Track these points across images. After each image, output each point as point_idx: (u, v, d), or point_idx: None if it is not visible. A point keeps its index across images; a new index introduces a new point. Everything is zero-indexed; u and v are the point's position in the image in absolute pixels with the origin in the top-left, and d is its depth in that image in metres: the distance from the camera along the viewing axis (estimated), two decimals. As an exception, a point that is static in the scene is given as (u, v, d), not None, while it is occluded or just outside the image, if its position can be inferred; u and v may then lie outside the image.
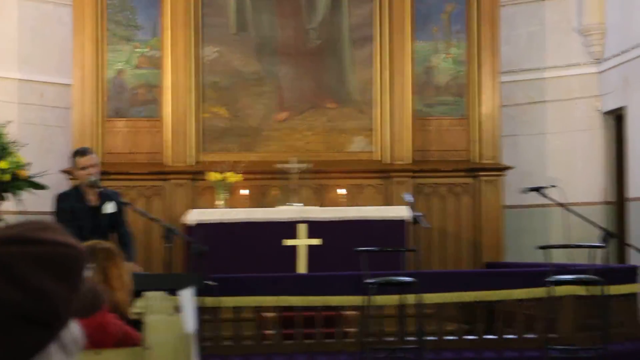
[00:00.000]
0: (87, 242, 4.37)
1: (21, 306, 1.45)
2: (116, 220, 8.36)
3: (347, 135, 12.39)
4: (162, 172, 11.94)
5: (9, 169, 9.21)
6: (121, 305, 4.22)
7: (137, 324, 4.39)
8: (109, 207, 8.28)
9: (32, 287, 1.46)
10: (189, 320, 2.81)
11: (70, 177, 11.46)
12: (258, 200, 12.05)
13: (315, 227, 11.18)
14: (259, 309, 9.26)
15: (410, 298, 8.91)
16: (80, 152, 8.37)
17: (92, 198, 8.28)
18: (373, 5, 12.48)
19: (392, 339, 9.31)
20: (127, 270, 4.39)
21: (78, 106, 11.86)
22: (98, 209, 8.27)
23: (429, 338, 9.18)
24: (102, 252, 4.29)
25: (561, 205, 8.34)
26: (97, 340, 3.68)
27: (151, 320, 4.02)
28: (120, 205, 8.37)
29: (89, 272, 1.64)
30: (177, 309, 4.76)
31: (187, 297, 2.52)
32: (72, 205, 8.20)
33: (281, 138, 12.32)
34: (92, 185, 8.18)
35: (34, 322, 1.47)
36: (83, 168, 8.19)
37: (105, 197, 8.23)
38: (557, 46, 13.27)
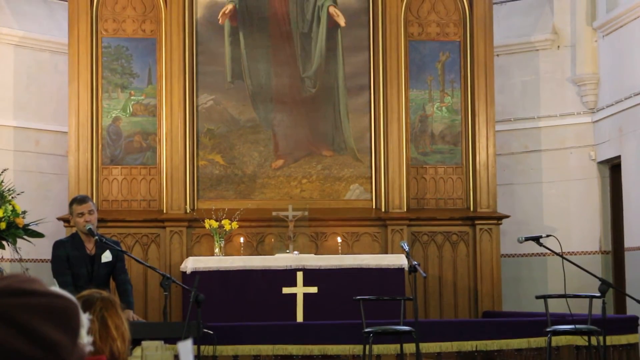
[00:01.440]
0: (84, 292, 4.32)
1: (33, 358, 1.45)
2: (114, 268, 8.31)
3: (343, 183, 12.39)
4: (158, 220, 11.90)
5: (5, 217, 9.15)
6: (120, 355, 4.17)
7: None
8: (107, 256, 8.22)
9: (42, 338, 1.47)
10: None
11: (66, 224, 11.42)
12: (254, 247, 12.02)
13: (311, 275, 11.14)
14: (257, 358, 9.18)
15: (409, 347, 8.86)
16: (77, 200, 8.34)
17: (89, 246, 8.23)
18: (368, 55, 12.53)
19: (390, 388, 9.25)
20: (125, 319, 4.33)
21: (74, 154, 11.85)
22: (96, 257, 8.22)
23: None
24: (100, 302, 4.23)
25: (558, 254, 8.31)
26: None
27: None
28: (119, 253, 8.32)
29: (88, 322, 1.64)
30: (175, 359, 4.70)
31: (186, 347, 2.47)
32: (68, 253, 8.14)
33: (277, 185, 12.31)
34: (89, 233, 8.13)
35: None
36: (80, 215, 8.15)
37: (103, 245, 8.18)
38: (551, 96, 13.33)
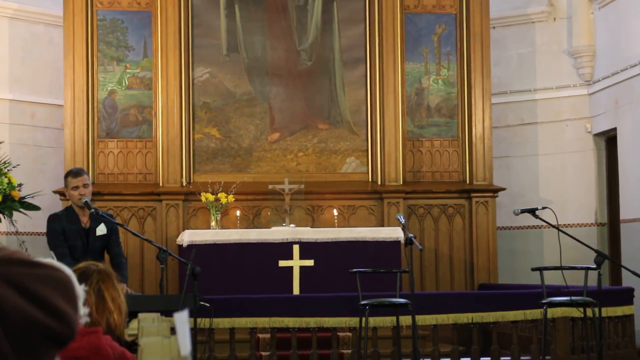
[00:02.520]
0: (80, 264, 4.33)
1: (49, 327, 1.45)
2: (109, 242, 8.32)
3: (339, 156, 12.39)
4: (154, 193, 11.90)
5: (1, 189, 9.16)
6: (116, 328, 4.17)
7: (132, 345, 4.35)
8: (102, 229, 8.23)
9: (54, 308, 1.47)
10: (185, 342, 2.76)
11: (62, 197, 11.42)
12: (250, 220, 12.03)
13: (307, 248, 11.16)
14: (253, 330, 9.21)
15: (405, 319, 8.89)
16: (72, 173, 8.33)
17: (84, 219, 8.23)
18: (364, 27, 12.50)
19: (386, 360, 9.28)
20: (121, 291, 4.33)
21: (69, 127, 11.83)
22: (90, 230, 8.23)
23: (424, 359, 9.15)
24: (96, 274, 4.23)
25: (554, 226, 8.32)
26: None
27: (146, 342, 3.98)
28: (114, 226, 8.33)
29: (84, 294, 1.65)
30: (172, 331, 4.71)
31: (182, 319, 2.47)
32: (64, 226, 8.15)
33: (273, 159, 12.31)
34: (84, 206, 8.13)
35: (56, 341, 1.47)
36: (75, 188, 8.15)
37: (98, 218, 8.18)
38: (547, 68, 13.31)
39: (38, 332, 1.44)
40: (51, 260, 1.58)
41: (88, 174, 9.13)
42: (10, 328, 1.42)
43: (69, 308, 1.49)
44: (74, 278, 1.56)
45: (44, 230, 8.49)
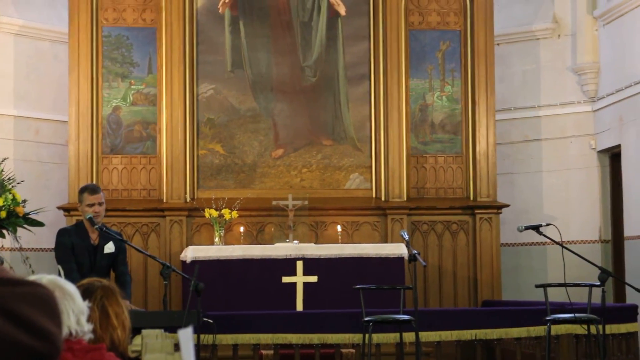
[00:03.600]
0: (84, 280, 4.33)
1: (32, 348, 1.45)
2: (116, 260, 8.33)
3: (343, 172, 12.39)
4: (158, 209, 11.91)
5: (5, 205, 9.17)
6: (120, 344, 4.17)
7: (135, 362, 4.35)
8: (110, 247, 8.25)
9: (37, 328, 1.46)
10: (189, 359, 2.76)
11: (66, 213, 11.43)
12: (254, 237, 12.03)
13: (311, 264, 11.16)
14: (256, 347, 9.20)
15: (409, 336, 8.88)
16: (89, 189, 8.32)
17: (93, 236, 8.25)
18: (368, 44, 12.53)
19: (390, 377, 9.27)
20: (125, 308, 4.33)
21: (74, 143, 11.85)
22: (99, 247, 8.24)
23: (427, 377, 9.13)
24: (100, 290, 4.23)
25: (558, 243, 8.32)
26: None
27: (149, 359, 3.98)
28: (122, 245, 8.34)
29: (87, 310, 1.65)
30: (175, 347, 4.71)
31: (186, 335, 2.48)
32: (73, 242, 8.17)
33: (277, 175, 12.32)
34: (89, 221, 8.15)
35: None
36: (90, 205, 8.17)
37: (107, 236, 8.20)
38: (551, 85, 13.32)
39: (21, 353, 1.43)
40: (57, 276, 1.57)
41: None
42: None
43: (52, 326, 1.48)
44: (54, 295, 1.56)
45: (48, 246, 8.52)
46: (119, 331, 4.13)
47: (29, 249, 11.21)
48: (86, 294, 3.96)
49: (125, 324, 4.19)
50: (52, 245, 8.38)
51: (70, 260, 8.09)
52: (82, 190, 8.38)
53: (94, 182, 11.69)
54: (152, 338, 4.86)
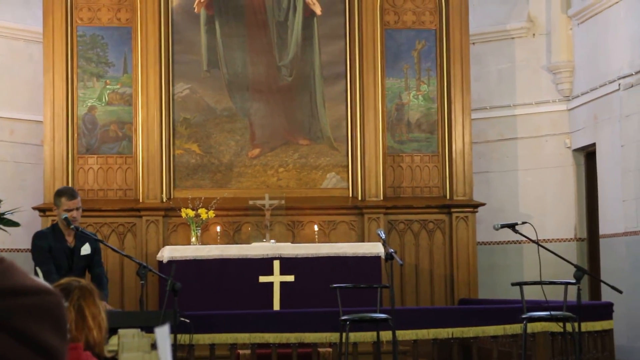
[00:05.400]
0: (62, 280, 4.30)
1: None
2: (92, 262, 8.29)
3: (320, 171, 12.40)
4: (134, 209, 11.88)
5: (-20, 206, 9.12)
6: (95, 345, 4.15)
7: (112, 362, 4.33)
8: (86, 249, 8.21)
9: (41, 345, 1.40)
10: (166, 357, 2.75)
11: (41, 214, 11.38)
12: (231, 236, 12.02)
13: (288, 264, 11.15)
14: (233, 346, 9.19)
15: (386, 335, 8.89)
16: (68, 194, 8.22)
17: (69, 239, 8.21)
18: (344, 43, 12.54)
19: (367, 376, 9.27)
20: (103, 308, 4.30)
21: (49, 143, 11.80)
22: (75, 249, 8.20)
23: (404, 375, 9.15)
24: (78, 290, 4.20)
25: (533, 241, 8.36)
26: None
27: (126, 358, 3.96)
28: (97, 246, 8.30)
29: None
30: (152, 347, 4.69)
31: (163, 334, 2.47)
32: (50, 244, 8.11)
33: (253, 174, 12.31)
34: (64, 221, 8.10)
35: None
36: (67, 210, 8.10)
37: (82, 238, 8.16)
38: (527, 84, 13.37)
39: None
40: (40, 280, 1.50)
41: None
42: None
43: (58, 341, 1.42)
44: (62, 301, 1.49)
45: (24, 247, 8.47)
46: (94, 332, 4.10)
47: (4, 249, 11.16)
48: (63, 293, 3.93)
49: (101, 325, 4.17)
50: (28, 246, 8.34)
51: (48, 262, 8.04)
52: (60, 194, 8.28)
53: (70, 182, 11.64)
54: (128, 337, 4.84)
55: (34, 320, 1.41)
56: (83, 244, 8.22)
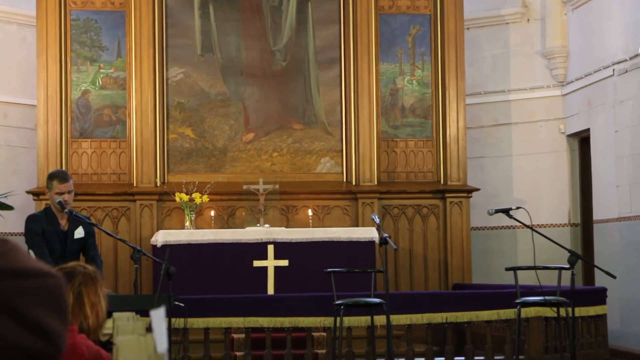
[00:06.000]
0: (69, 263, 4.29)
1: (34, 349, 1.39)
2: (86, 245, 8.26)
3: (314, 156, 12.39)
4: (128, 193, 11.86)
5: (-27, 189, 9.10)
6: (90, 332, 4.13)
7: (107, 345, 4.32)
8: (80, 232, 8.18)
9: (41, 327, 1.39)
10: (161, 340, 2.75)
11: (35, 198, 11.36)
12: (225, 221, 12.01)
13: (282, 248, 11.16)
14: (228, 330, 9.20)
15: (380, 319, 8.90)
16: (59, 177, 8.17)
17: (63, 222, 8.17)
18: (338, 28, 12.51)
19: (361, 360, 9.29)
20: (104, 296, 4.25)
21: (42, 127, 11.77)
22: (69, 233, 8.17)
23: (398, 359, 9.16)
24: (81, 276, 4.17)
25: (527, 226, 8.36)
26: (68, 362, 3.61)
27: (121, 341, 3.96)
28: (91, 229, 8.27)
29: None
30: (147, 330, 4.69)
31: (159, 317, 2.46)
32: (43, 228, 8.08)
33: (248, 159, 12.30)
34: (58, 205, 8.07)
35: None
36: (59, 193, 8.06)
37: (76, 221, 8.13)
38: (521, 69, 13.36)
39: (24, 355, 1.38)
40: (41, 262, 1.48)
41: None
42: None
43: (58, 324, 1.42)
44: (63, 284, 1.48)
45: (17, 230, 8.45)
46: (90, 320, 4.08)
47: (-3, 233, 11.13)
48: (66, 278, 3.92)
49: (99, 314, 4.14)
50: (21, 230, 8.31)
51: (42, 245, 8.01)
52: (51, 177, 8.24)
53: (64, 166, 11.61)
54: (123, 320, 4.84)
55: (34, 302, 1.40)
56: (76, 227, 8.19)
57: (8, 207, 9.45)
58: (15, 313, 1.37)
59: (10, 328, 1.36)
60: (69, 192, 8.08)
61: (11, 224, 11.23)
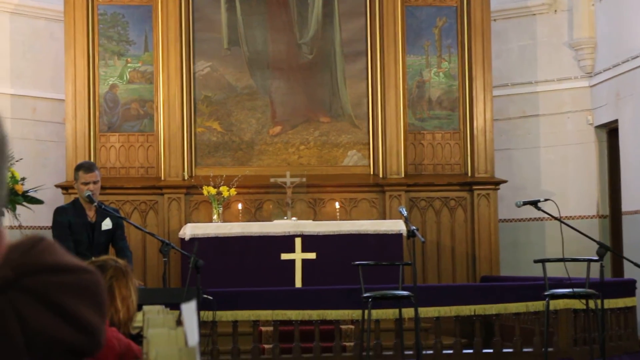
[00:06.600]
0: (101, 257, 4.33)
1: (74, 342, 1.41)
2: (114, 236, 8.30)
3: (341, 149, 12.39)
4: (156, 187, 11.91)
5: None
6: (121, 326, 4.16)
7: (137, 338, 4.35)
8: (107, 224, 8.22)
9: (82, 321, 1.40)
10: (192, 333, 2.77)
11: (64, 191, 11.43)
12: (252, 214, 12.04)
13: (309, 241, 11.17)
14: (256, 323, 9.23)
15: (408, 312, 8.90)
16: (85, 168, 8.24)
17: (90, 213, 8.22)
18: (365, 20, 12.50)
19: (390, 353, 9.30)
20: (135, 290, 4.28)
21: (71, 121, 11.84)
22: (96, 224, 8.21)
23: (426, 352, 9.17)
24: (112, 270, 4.20)
25: (556, 218, 8.34)
26: (98, 354, 3.64)
27: (152, 334, 3.98)
28: (119, 221, 8.31)
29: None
30: (178, 323, 4.72)
31: (189, 310, 2.49)
32: (70, 220, 8.13)
33: (275, 152, 12.31)
34: (87, 199, 8.12)
35: (81, 354, 1.43)
36: (85, 184, 8.11)
37: (103, 213, 8.17)
38: (548, 60, 13.31)
39: (64, 348, 1.40)
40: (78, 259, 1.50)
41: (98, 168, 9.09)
42: (35, 346, 1.36)
43: (97, 318, 1.44)
44: (101, 280, 1.50)
45: (47, 224, 8.49)
46: (121, 314, 4.12)
47: (28, 226, 11.21)
48: (99, 270, 3.94)
49: (130, 308, 4.17)
50: (51, 224, 8.37)
51: (67, 239, 8.05)
52: (77, 168, 8.31)
53: (92, 160, 11.66)
54: (153, 314, 4.86)
55: (73, 296, 1.41)
56: (104, 218, 8.23)
57: (38, 201, 9.52)
58: (57, 307, 1.39)
59: (52, 322, 1.38)
60: (94, 183, 8.12)
61: (41, 218, 11.29)
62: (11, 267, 1.39)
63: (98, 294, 1.47)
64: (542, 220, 12.38)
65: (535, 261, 9.09)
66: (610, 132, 12.81)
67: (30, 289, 1.38)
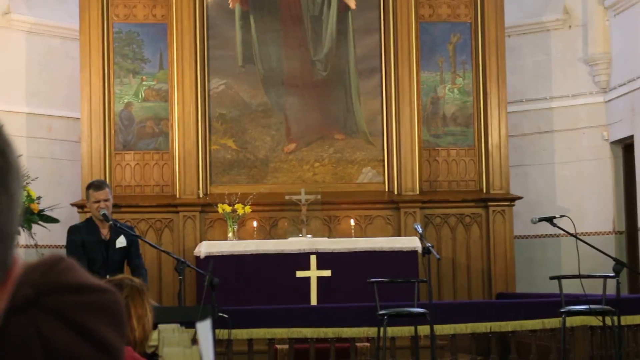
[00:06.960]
0: (116, 276, 4.32)
1: None
2: (129, 253, 8.32)
3: (355, 166, 12.39)
4: (171, 205, 11.93)
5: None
6: (137, 345, 4.16)
7: (152, 357, 4.35)
8: (122, 241, 8.24)
9: (104, 342, 1.41)
10: (207, 352, 2.77)
11: (79, 210, 11.46)
12: (267, 231, 12.04)
13: (325, 259, 11.16)
14: (271, 341, 9.21)
15: (423, 329, 8.87)
16: (94, 186, 8.30)
17: (104, 231, 8.24)
18: (379, 37, 12.52)
19: (405, 370, 9.27)
20: (150, 309, 4.27)
21: (86, 139, 11.87)
22: (110, 242, 8.23)
23: (442, 369, 9.13)
24: (128, 289, 4.20)
25: (572, 235, 8.31)
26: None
27: (168, 353, 3.98)
28: (134, 238, 8.33)
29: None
30: (193, 341, 4.71)
31: (205, 329, 2.48)
32: (83, 238, 8.15)
33: (289, 169, 12.32)
34: (103, 218, 8.14)
35: None
36: (96, 201, 8.14)
37: (117, 230, 8.19)
38: (563, 76, 13.29)
39: None
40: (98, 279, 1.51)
41: (109, 185, 9.12)
42: None
43: (117, 338, 1.41)
44: (121, 299, 1.50)
45: (63, 242, 8.50)
46: (137, 333, 4.11)
47: (43, 245, 11.24)
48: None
49: (146, 327, 4.16)
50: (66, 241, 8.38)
51: (81, 258, 8.06)
52: (88, 187, 8.35)
53: (107, 178, 11.69)
54: (169, 332, 4.86)
55: (94, 316, 1.42)
56: (118, 236, 8.25)
57: (53, 220, 9.55)
58: (78, 327, 1.39)
59: (73, 341, 1.38)
60: (105, 200, 8.14)
61: (57, 237, 11.32)
62: (31, 286, 1.40)
63: (118, 314, 1.47)
64: (557, 236, 12.34)
65: (551, 278, 9.06)
66: (626, 148, 12.77)
67: (51, 308, 1.39)
